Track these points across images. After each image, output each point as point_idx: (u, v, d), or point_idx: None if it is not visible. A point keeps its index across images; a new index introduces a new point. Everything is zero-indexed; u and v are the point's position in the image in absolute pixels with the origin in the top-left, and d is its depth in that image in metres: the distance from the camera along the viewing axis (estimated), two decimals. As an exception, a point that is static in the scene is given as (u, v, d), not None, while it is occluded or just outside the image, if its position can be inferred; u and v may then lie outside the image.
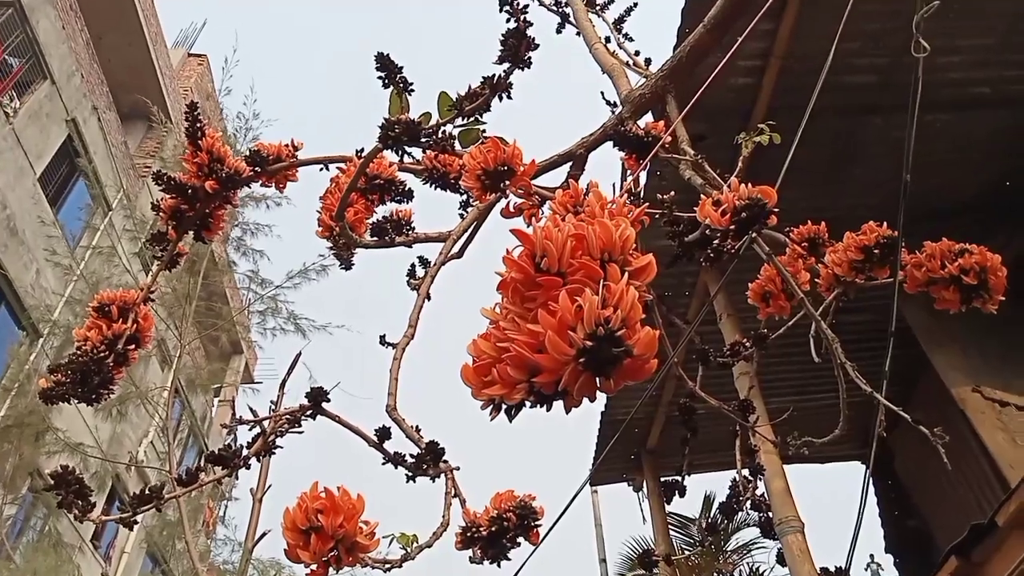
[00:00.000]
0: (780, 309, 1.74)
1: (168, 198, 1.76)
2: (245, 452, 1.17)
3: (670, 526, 5.19)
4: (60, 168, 10.74)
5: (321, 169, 1.93)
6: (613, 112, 1.84)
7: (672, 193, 1.01)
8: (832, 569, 1.90)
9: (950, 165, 3.70)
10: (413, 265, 1.78)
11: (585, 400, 0.74)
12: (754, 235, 0.91)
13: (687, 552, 5.60)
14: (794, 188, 1.90)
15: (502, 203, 1.21)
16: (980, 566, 1.83)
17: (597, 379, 0.71)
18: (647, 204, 1.11)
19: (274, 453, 1.22)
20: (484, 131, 1.63)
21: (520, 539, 1.30)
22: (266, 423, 1.22)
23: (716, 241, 0.96)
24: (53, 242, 9.98)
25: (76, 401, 1.45)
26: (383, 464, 1.31)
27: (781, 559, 2.62)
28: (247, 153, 1.80)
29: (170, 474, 8.36)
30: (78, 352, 1.48)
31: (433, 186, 1.74)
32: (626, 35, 2.56)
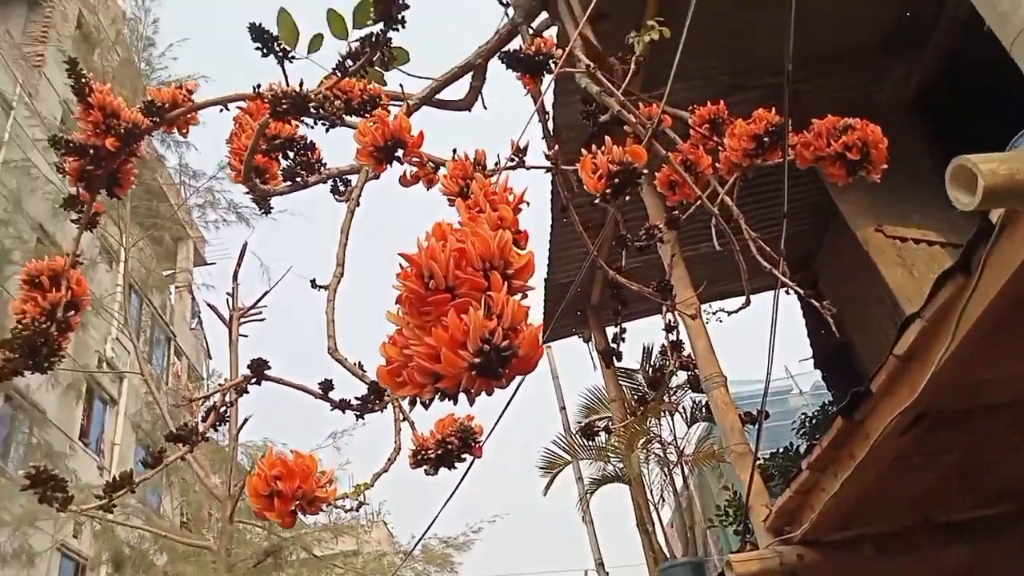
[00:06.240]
0: (686, 195, 1.84)
1: (71, 160, 1.73)
2: (201, 427, 1.27)
3: (617, 374, 5.60)
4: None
5: (221, 110, 1.90)
6: (506, 14, 1.82)
7: (556, 147, 1.07)
8: (753, 413, 2.15)
9: (849, 3, 3.66)
10: (335, 181, 1.82)
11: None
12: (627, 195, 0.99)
13: (635, 396, 6.07)
14: (694, 47, 1.94)
15: (399, 169, 1.26)
16: (861, 423, 2.12)
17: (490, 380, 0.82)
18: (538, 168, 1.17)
19: (227, 420, 1.33)
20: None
21: (465, 455, 1.48)
22: (216, 396, 1.32)
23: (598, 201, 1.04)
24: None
25: (30, 373, 1.52)
26: (331, 411, 1.44)
27: (709, 410, 2.95)
28: (142, 103, 1.77)
29: (140, 373, 8.52)
30: (20, 326, 1.52)
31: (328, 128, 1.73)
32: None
